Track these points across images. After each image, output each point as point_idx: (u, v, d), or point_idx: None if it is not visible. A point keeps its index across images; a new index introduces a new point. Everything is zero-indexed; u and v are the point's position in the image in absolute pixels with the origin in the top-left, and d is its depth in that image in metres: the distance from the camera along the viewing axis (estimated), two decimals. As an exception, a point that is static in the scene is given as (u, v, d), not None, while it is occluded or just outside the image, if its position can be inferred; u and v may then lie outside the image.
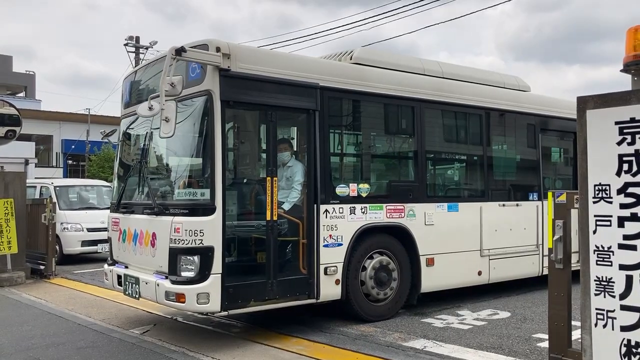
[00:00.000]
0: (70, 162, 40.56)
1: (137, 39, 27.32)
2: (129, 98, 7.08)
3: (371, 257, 6.61)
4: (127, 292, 6.27)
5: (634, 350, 2.60)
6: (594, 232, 2.76)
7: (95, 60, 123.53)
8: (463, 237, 7.48)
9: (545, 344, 5.11)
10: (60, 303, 8.12)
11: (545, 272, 8.12)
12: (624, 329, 2.64)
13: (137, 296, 6.07)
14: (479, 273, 7.63)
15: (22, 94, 44.11)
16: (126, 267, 6.48)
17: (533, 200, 8.42)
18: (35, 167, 22.16)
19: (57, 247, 11.65)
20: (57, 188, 13.27)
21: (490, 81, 8.49)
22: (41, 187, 13.64)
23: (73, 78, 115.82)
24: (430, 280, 7.06)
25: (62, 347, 5.82)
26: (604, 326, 2.71)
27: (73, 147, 38.13)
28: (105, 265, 6.98)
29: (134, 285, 6.10)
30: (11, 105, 11.29)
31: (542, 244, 8.27)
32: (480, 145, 8.04)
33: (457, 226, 7.42)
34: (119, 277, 6.47)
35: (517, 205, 8.23)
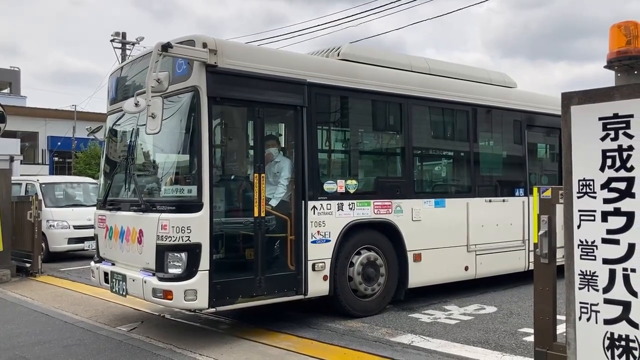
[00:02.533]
0: (56, 159, 40.16)
1: (124, 35, 27.10)
2: (115, 94, 7.02)
3: (359, 253, 6.62)
4: (114, 290, 6.24)
5: (617, 343, 2.63)
6: (578, 226, 2.79)
7: (80, 56, 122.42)
8: (450, 233, 7.52)
9: (531, 338, 5.16)
10: (46, 301, 8.06)
11: (532, 267, 8.22)
12: (607, 322, 2.68)
13: (124, 293, 6.04)
14: (466, 268, 7.68)
15: (6, 90, 43.56)
16: (113, 264, 6.44)
17: (519, 196, 8.48)
18: (21, 164, 21.88)
19: (43, 245, 11.54)
20: (43, 185, 13.14)
21: (477, 78, 8.53)
22: (27, 184, 13.50)
23: (58, 75, 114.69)
24: (418, 276, 7.10)
25: (48, 345, 5.78)
26: (588, 319, 2.74)
27: (59, 143, 37.73)
28: (92, 263, 6.94)
29: (120, 282, 6.06)
30: (-4, 101, 11.17)
31: (529, 239, 8.33)
32: (467, 142, 8.08)
33: (444, 222, 7.46)
34: (106, 274, 6.43)
35: (504, 201, 8.29)
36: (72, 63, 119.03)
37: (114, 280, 6.22)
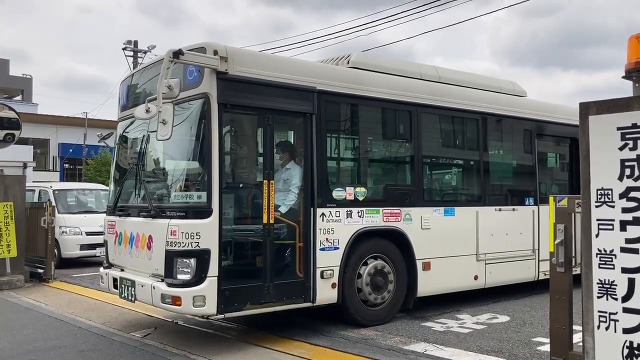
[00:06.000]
0: (67, 165, 40.46)
1: (136, 43, 27.32)
2: (126, 101, 7.06)
3: (367, 261, 6.58)
4: (122, 295, 6.24)
5: (636, 352, 2.60)
6: (597, 235, 2.77)
7: (90, 64, 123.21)
8: (459, 242, 7.46)
9: (545, 348, 5.12)
10: (60, 306, 8.08)
11: (541, 277, 8.21)
12: (626, 331, 2.65)
13: (133, 299, 6.03)
14: (475, 277, 7.62)
15: (18, 98, 43.95)
16: (122, 270, 6.45)
17: (529, 205, 8.41)
18: (33, 170, 22.05)
19: (56, 251, 11.61)
20: (56, 192, 13.24)
21: (487, 86, 8.50)
22: (40, 190, 13.60)
23: (68, 82, 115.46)
24: (427, 285, 7.04)
25: (63, 350, 5.78)
26: (607, 328, 2.71)
27: (71, 150, 38.02)
28: (101, 269, 6.95)
29: (129, 288, 6.06)
30: (10, 108, 11.24)
31: (538, 249, 8.27)
32: (477, 150, 8.04)
33: (454, 230, 7.40)
34: (115, 280, 6.44)
35: (514, 210, 8.23)
36: (81, 70, 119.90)
37: (123, 286, 6.22)
